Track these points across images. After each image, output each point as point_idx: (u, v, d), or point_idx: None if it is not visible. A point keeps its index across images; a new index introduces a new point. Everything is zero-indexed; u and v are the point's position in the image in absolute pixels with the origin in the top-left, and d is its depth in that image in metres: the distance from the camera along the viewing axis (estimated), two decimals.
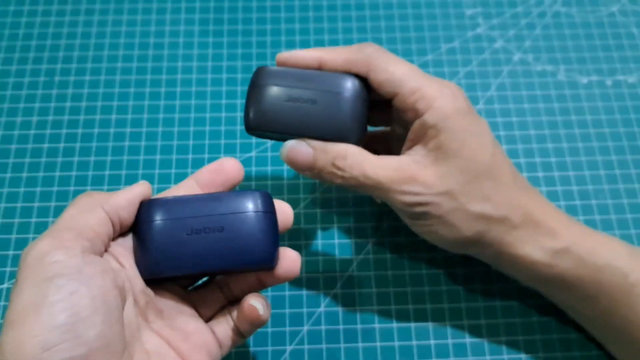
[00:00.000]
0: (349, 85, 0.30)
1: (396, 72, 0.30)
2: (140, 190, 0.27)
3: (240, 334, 0.28)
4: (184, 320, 0.27)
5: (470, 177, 0.29)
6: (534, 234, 0.30)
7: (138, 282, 0.26)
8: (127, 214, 0.26)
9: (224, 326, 0.28)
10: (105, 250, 0.26)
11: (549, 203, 0.32)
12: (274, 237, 0.27)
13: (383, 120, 0.35)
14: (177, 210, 0.27)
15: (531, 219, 0.30)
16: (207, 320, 0.29)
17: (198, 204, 0.27)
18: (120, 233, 0.27)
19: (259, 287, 0.29)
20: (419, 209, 0.29)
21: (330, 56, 0.30)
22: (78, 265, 0.23)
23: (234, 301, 0.29)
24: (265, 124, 0.30)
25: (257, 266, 0.27)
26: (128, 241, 0.27)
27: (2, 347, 0.21)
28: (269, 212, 0.27)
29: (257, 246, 0.27)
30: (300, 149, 0.30)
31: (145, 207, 0.27)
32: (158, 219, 0.27)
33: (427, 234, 0.30)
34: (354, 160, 0.29)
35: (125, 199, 0.26)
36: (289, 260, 0.28)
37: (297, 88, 0.30)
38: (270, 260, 0.27)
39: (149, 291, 0.27)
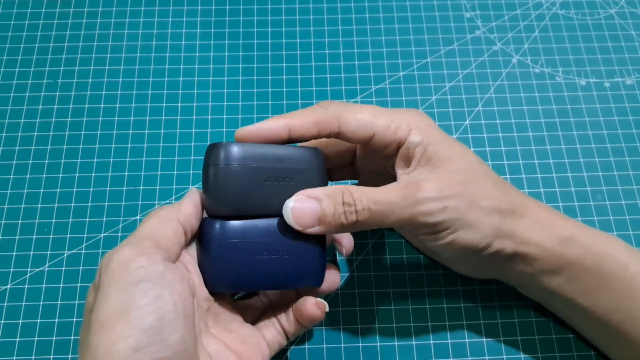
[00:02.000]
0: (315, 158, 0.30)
1: (366, 116, 0.30)
2: (199, 198, 0.29)
3: (285, 336, 0.30)
4: (237, 325, 0.29)
5: (469, 177, 0.29)
6: (539, 223, 0.30)
7: (202, 288, 0.28)
8: (196, 222, 0.28)
9: (270, 329, 0.30)
10: (177, 258, 0.27)
11: (539, 201, 0.33)
12: (324, 260, 0.30)
13: (341, 177, 0.36)
14: (246, 232, 0.28)
15: (532, 210, 0.31)
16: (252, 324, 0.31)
17: (265, 227, 0.28)
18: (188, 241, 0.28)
19: (297, 296, 0.31)
20: (440, 217, 0.28)
21: (297, 122, 0.29)
22: (161, 271, 0.24)
23: (273, 306, 0.32)
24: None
25: (310, 286, 0.30)
26: (192, 249, 0.29)
27: (95, 348, 0.22)
28: (322, 235, 0.29)
29: (313, 270, 0.29)
30: (303, 204, 0.28)
31: (215, 225, 0.28)
32: (229, 239, 0.28)
33: (449, 245, 0.29)
34: (360, 193, 0.28)
35: (194, 209, 0.28)
36: (331, 281, 0.31)
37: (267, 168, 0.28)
38: (320, 283, 0.30)
39: (211, 297, 0.28)
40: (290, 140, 0.30)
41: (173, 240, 0.26)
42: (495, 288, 0.36)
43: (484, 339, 0.35)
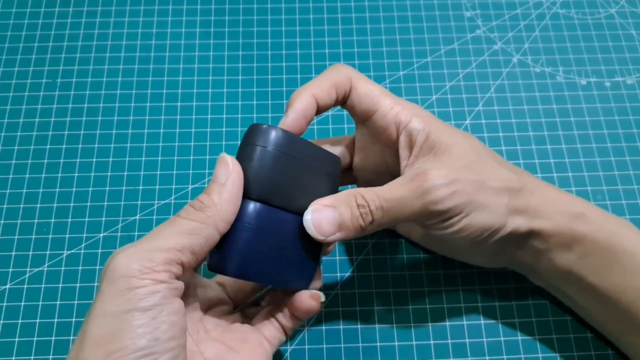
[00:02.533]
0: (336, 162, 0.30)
1: (375, 90, 0.30)
2: (239, 182, 0.26)
3: (284, 332, 0.30)
4: (237, 326, 0.29)
5: (474, 159, 0.30)
6: (549, 199, 0.30)
7: (208, 290, 0.28)
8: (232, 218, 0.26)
9: (269, 327, 0.30)
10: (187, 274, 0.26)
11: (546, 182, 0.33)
12: (318, 266, 0.31)
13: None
14: (274, 221, 0.27)
15: (541, 187, 0.31)
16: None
17: (286, 222, 0.28)
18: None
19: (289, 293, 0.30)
20: (450, 203, 0.28)
21: (319, 90, 0.30)
22: (163, 292, 0.23)
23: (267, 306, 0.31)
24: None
25: (296, 289, 0.30)
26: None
27: None
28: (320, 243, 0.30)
29: (305, 274, 0.30)
30: (320, 214, 0.28)
31: (252, 207, 0.27)
32: (259, 224, 0.27)
33: (464, 230, 0.29)
34: (370, 193, 0.28)
35: (232, 204, 0.26)
36: (314, 286, 0.31)
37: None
38: (307, 287, 0.30)
39: (206, 303, 0.29)
40: (319, 111, 0.30)
41: (189, 260, 0.25)
42: (496, 288, 0.36)
43: (484, 339, 0.35)
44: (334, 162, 0.30)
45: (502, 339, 0.35)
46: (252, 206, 0.27)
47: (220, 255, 0.27)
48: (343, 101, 0.31)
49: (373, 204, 0.28)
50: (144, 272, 0.23)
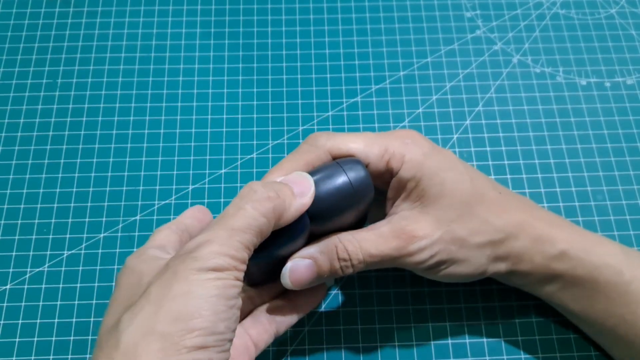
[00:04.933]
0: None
1: (358, 146, 0.30)
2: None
3: (272, 334, 0.30)
4: None
5: (461, 211, 0.30)
6: (533, 239, 0.30)
7: None
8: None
9: (258, 328, 0.29)
10: None
11: (538, 207, 0.33)
12: None
13: None
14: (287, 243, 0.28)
15: (526, 227, 0.31)
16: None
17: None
18: None
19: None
20: (432, 261, 0.29)
21: (291, 167, 0.29)
22: (239, 288, 0.24)
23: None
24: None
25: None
26: None
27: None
28: None
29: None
30: (298, 267, 0.28)
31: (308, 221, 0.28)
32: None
33: (446, 277, 0.31)
34: (353, 247, 0.29)
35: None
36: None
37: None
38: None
39: None
40: None
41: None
42: (496, 288, 0.36)
43: (485, 339, 0.35)
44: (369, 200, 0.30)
45: (502, 339, 0.35)
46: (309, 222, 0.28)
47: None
48: None
49: (356, 258, 0.29)
50: (231, 265, 0.24)
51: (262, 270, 0.29)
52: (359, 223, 0.31)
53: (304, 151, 0.30)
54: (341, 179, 0.28)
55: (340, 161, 0.29)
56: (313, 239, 0.29)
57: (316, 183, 0.28)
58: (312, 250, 0.29)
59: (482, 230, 0.30)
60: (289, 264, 0.28)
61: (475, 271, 0.30)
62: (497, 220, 0.30)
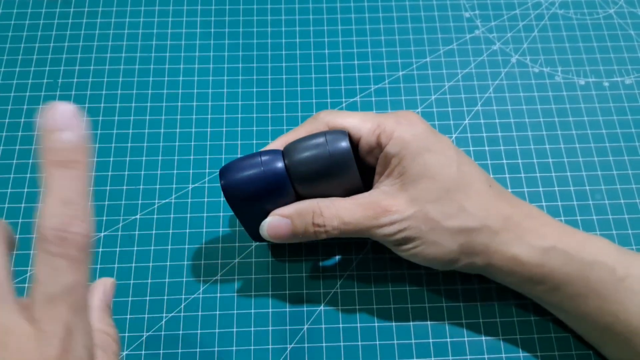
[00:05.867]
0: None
1: (354, 120, 0.32)
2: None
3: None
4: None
5: (439, 194, 0.30)
6: (518, 235, 0.30)
7: None
8: None
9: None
10: None
11: (529, 205, 0.33)
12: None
13: None
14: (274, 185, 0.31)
15: (513, 222, 0.30)
16: None
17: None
18: None
19: None
20: (399, 236, 0.30)
21: (292, 136, 0.32)
22: None
23: None
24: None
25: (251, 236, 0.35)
26: None
27: None
28: None
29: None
30: (277, 223, 0.31)
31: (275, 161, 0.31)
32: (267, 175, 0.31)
33: (414, 256, 0.31)
34: (329, 213, 0.30)
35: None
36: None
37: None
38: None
39: None
40: None
41: None
42: (495, 287, 0.36)
43: (483, 338, 0.35)
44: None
45: (501, 337, 0.35)
46: (280, 164, 0.30)
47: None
48: None
49: (330, 225, 0.30)
50: None
51: (257, 224, 0.32)
52: (351, 194, 0.32)
53: (305, 124, 0.33)
54: (320, 145, 0.30)
55: (327, 131, 0.31)
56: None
57: (300, 146, 0.31)
58: (291, 209, 0.31)
59: (456, 216, 0.30)
60: (268, 219, 0.31)
61: (445, 256, 0.31)
62: (476, 210, 0.30)
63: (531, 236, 0.30)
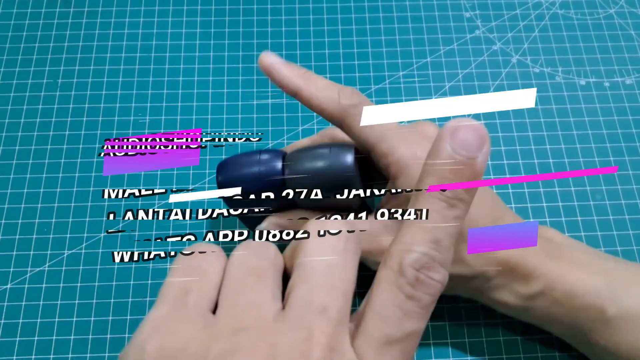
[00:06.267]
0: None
1: (371, 133, 0.29)
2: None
3: None
4: None
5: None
6: (508, 282, 0.30)
7: None
8: None
9: None
10: None
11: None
12: None
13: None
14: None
15: (507, 267, 0.30)
16: None
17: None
18: None
19: None
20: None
21: (307, 93, 0.29)
22: None
23: None
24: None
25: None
26: None
27: None
28: None
29: None
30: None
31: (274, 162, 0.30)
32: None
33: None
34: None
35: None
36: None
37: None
38: None
39: None
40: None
41: None
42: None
43: (484, 339, 0.35)
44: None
45: (501, 338, 0.35)
46: (278, 165, 0.30)
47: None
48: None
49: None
50: None
51: (254, 222, 0.32)
52: (348, 208, 0.31)
53: (327, 93, 0.30)
54: (323, 156, 0.29)
55: (333, 143, 0.30)
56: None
57: (304, 156, 0.30)
58: (286, 222, 0.31)
59: (454, 266, 0.29)
60: (264, 224, 0.31)
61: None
62: (475, 262, 0.29)
63: (520, 282, 0.30)
